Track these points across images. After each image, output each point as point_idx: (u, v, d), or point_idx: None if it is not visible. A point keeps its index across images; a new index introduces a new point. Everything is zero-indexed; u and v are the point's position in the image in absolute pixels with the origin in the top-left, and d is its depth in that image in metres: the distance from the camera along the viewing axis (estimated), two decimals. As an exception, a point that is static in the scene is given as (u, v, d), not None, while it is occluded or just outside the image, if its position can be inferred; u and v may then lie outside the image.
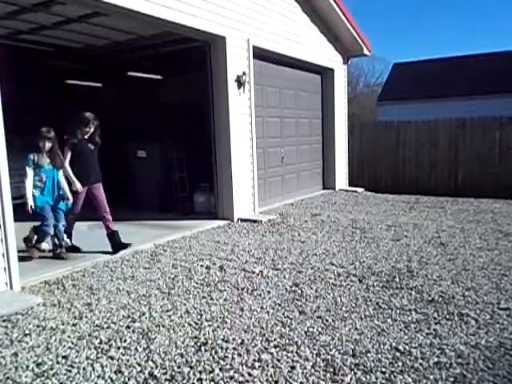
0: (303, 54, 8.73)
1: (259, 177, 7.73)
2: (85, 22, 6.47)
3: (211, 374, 2.61)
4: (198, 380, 2.56)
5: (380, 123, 12.80)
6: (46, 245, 5.06)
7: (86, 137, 5.20)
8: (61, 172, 4.99)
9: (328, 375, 2.58)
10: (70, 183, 5.10)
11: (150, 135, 8.31)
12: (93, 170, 5.27)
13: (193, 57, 7.54)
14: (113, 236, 5.25)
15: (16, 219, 4.11)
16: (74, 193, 5.10)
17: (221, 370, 2.66)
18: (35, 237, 4.95)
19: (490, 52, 20.95)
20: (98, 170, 5.38)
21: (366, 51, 10.40)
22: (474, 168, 10.05)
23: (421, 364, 2.67)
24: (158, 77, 9.81)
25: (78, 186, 5.08)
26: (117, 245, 5.20)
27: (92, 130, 5.21)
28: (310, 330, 3.16)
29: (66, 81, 10.02)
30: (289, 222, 6.84)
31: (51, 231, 4.91)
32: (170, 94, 9.04)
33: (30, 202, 4.67)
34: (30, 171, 4.76)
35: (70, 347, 2.97)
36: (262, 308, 3.57)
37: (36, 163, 4.78)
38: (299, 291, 3.92)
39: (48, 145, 4.81)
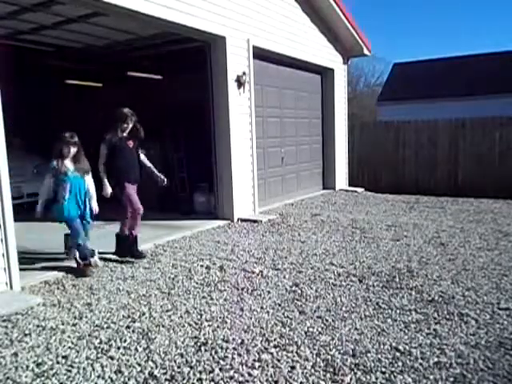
0: (303, 54, 8.73)
1: (259, 177, 7.73)
2: (85, 22, 6.47)
3: (211, 374, 2.61)
4: (198, 380, 2.56)
5: (380, 123, 12.80)
6: (96, 259, 4.62)
7: (124, 134, 4.90)
8: (87, 178, 4.62)
9: (328, 375, 2.58)
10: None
11: (149, 135, 8.29)
12: (131, 169, 4.95)
13: (193, 57, 7.55)
14: (121, 239, 5.04)
15: (16, 219, 4.11)
16: (122, 199, 4.82)
17: (221, 370, 2.66)
18: (76, 253, 4.52)
19: (489, 52, 20.97)
20: (138, 170, 5.06)
21: (366, 51, 10.40)
22: (474, 168, 10.05)
23: (421, 364, 2.67)
24: (158, 77, 9.82)
25: (107, 190, 4.79)
26: (122, 251, 5.01)
27: (130, 125, 4.90)
28: (310, 329, 3.16)
29: (66, 81, 10.03)
30: (289, 222, 6.84)
31: (83, 242, 4.49)
32: (169, 94, 9.04)
33: (39, 209, 4.42)
34: (48, 179, 4.43)
35: (69, 347, 2.97)
36: (262, 308, 3.57)
37: (58, 171, 4.40)
38: (299, 291, 3.92)
39: (73, 150, 4.45)
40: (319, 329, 3.17)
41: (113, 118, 4.91)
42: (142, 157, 5.21)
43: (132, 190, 4.93)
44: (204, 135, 7.35)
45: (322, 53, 9.50)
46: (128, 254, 5.00)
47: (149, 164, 5.24)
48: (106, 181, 4.81)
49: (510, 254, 4.95)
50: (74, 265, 4.59)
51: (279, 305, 3.63)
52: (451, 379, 2.52)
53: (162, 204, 8.03)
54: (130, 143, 4.97)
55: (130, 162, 4.94)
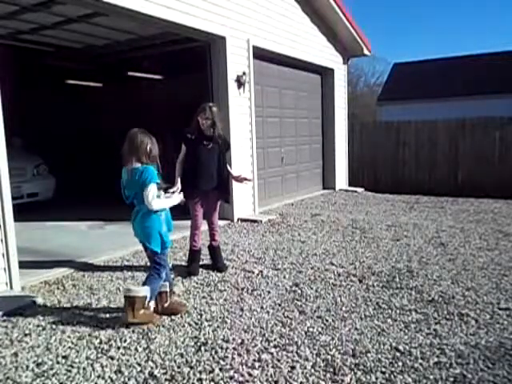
0: (303, 54, 8.73)
1: (259, 177, 7.73)
2: (85, 21, 6.48)
3: (211, 374, 2.61)
4: (198, 380, 2.56)
5: (380, 123, 12.81)
6: (152, 302, 3.42)
7: (205, 132, 4.27)
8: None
9: (328, 375, 2.58)
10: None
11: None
12: (204, 175, 4.33)
13: (193, 57, 7.55)
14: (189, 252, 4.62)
15: (16, 219, 4.11)
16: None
17: (221, 370, 2.66)
18: (148, 296, 3.23)
19: (489, 52, 21.00)
20: (214, 176, 4.37)
21: (366, 51, 10.41)
22: (474, 168, 10.05)
23: (421, 364, 2.67)
24: (158, 77, 9.83)
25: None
26: (189, 264, 4.54)
27: (209, 121, 4.23)
28: (310, 329, 3.16)
29: (66, 81, 10.05)
30: (289, 222, 6.85)
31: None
32: (169, 94, 9.05)
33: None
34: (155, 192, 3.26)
35: (70, 347, 2.97)
36: (261, 308, 3.57)
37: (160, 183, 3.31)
38: (299, 291, 3.92)
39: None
40: (319, 329, 3.17)
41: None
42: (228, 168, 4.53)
43: (193, 204, 4.36)
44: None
45: (322, 53, 9.50)
46: (194, 269, 4.45)
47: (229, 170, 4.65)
48: (177, 181, 4.21)
49: (510, 253, 4.95)
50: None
51: (279, 305, 3.63)
52: (451, 379, 2.52)
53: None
54: (208, 143, 4.33)
55: (202, 166, 4.29)
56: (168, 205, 3.36)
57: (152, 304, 3.36)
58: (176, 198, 3.43)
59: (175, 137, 4.54)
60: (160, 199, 3.29)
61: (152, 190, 3.21)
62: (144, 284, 3.29)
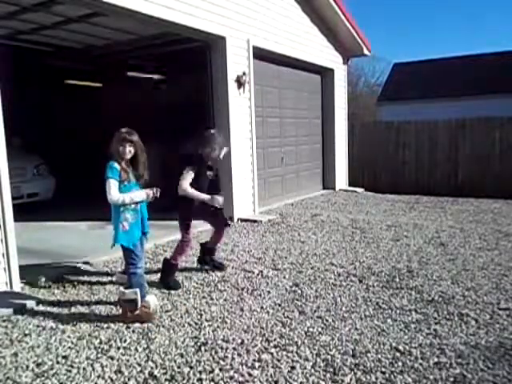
0: (303, 54, 8.73)
1: (259, 177, 7.72)
2: (85, 21, 6.48)
3: (211, 374, 2.61)
4: (198, 380, 2.56)
5: (380, 123, 12.79)
6: (153, 298, 3.51)
7: (208, 162, 4.32)
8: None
9: (328, 375, 2.58)
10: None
11: (149, 135, 8.30)
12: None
13: (193, 57, 7.55)
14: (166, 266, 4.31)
15: (16, 219, 4.10)
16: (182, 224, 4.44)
17: (221, 370, 2.66)
18: (138, 291, 3.30)
19: (490, 52, 20.97)
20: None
21: (365, 51, 10.41)
22: (474, 168, 10.04)
23: (421, 364, 2.67)
24: (158, 77, 9.83)
25: (215, 201, 4.26)
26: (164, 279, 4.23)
27: (216, 152, 4.30)
28: (310, 330, 3.16)
29: (65, 81, 10.04)
30: (289, 222, 6.84)
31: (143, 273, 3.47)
32: (169, 94, 9.04)
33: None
34: (114, 187, 3.31)
35: (69, 347, 2.97)
36: (261, 308, 3.57)
37: (122, 177, 3.32)
38: (299, 291, 3.92)
39: (130, 149, 3.34)
40: (319, 329, 3.17)
41: (201, 140, 4.46)
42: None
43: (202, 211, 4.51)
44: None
45: (322, 53, 9.50)
46: (176, 283, 4.17)
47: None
48: (200, 194, 4.26)
49: (510, 253, 4.95)
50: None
51: (279, 305, 3.63)
52: (451, 379, 2.52)
53: (162, 204, 8.01)
54: (211, 173, 4.34)
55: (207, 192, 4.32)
56: (129, 199, 3.32)
57: (150, 301, 3.43)
58: (141, 193, 3.43)
59: (175, 136, 4.54)
60: (124, 194, 3.31)
61: (110, 184, 3.30)
62: (130, 286, 3.35)
